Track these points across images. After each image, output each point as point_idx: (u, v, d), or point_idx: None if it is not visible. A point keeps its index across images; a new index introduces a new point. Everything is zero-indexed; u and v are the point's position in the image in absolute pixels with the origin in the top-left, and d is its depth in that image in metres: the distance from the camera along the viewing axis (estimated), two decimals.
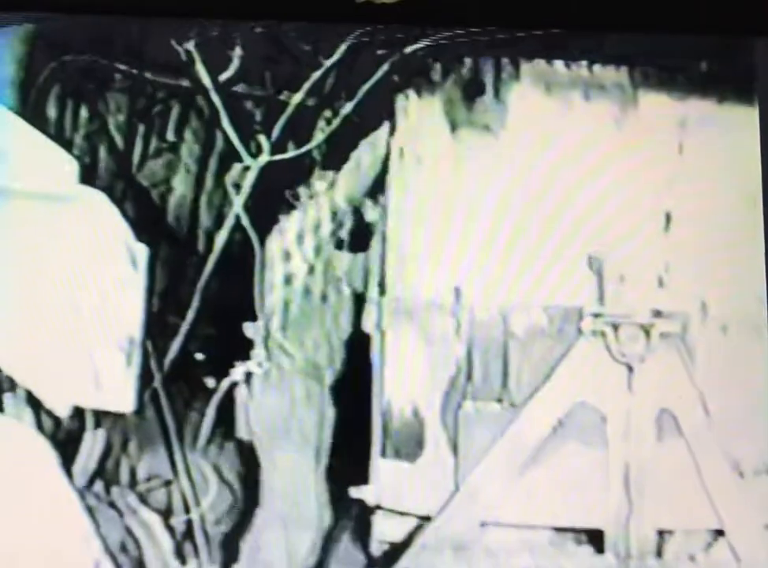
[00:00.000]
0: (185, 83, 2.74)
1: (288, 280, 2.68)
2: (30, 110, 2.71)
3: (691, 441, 2.59)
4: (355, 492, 2.61)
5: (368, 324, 2.67)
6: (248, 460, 2.62)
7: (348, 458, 2.61)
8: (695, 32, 2.78)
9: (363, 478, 2.60)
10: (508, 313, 2.62)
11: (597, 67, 2.74)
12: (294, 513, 2.60)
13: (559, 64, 2.74)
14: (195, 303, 2.65)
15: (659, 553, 2.58)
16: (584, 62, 2.74)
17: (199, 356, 2.63)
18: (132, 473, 2.58)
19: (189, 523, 2.56)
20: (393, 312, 2.67)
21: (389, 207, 2.71)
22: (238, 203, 2.70)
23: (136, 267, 2.58)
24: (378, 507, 2.61)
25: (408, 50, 2.75)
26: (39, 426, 2.57)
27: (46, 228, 2.60)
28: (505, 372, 2.61)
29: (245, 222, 2.70)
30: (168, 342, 2.62)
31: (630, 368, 2.60)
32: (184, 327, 2.64)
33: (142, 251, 2.59)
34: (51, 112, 2.71)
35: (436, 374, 2.63)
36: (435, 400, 2.62)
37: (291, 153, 2.72)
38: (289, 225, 2.69)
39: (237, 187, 2.73)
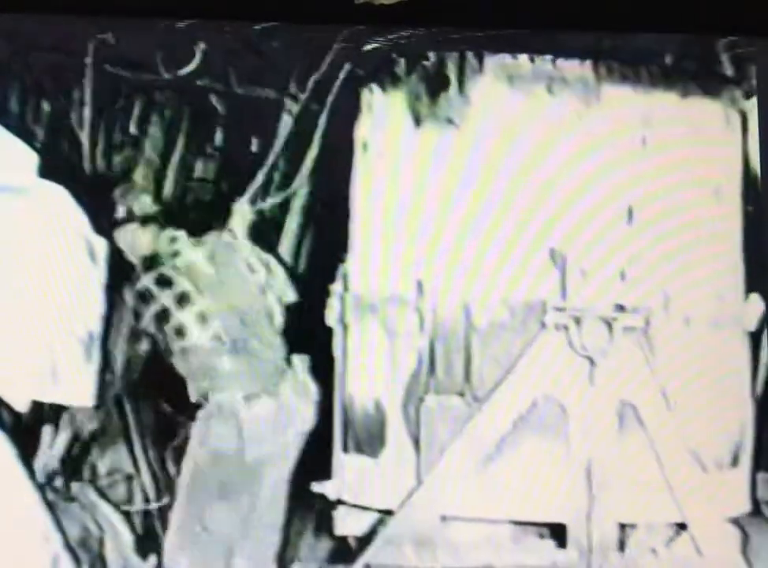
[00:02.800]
0: (148, 77, 2.73)
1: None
2: None
3: (653, 434, 2.58)
4: (317, 487, 2.61)
5: (331, 318, 2.67)
6: None
7: (310, 453, 2.62)
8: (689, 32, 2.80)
9: (325, 473, 2.62)
10: (471, 307, 2.62)
11: (560, 61, 2.73)
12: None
13: (523, 58, 2.73)
14: None
15: (621, 547, 2.58)
16: (548, 56, 2.74)
17: None
18: (93, 468, 2.58)
19: (150, 518, 2.56)
20: (355, 305, 2.67)
21: (351, 202, 2.71)
22: None
23: (95, 260, 2.57)
24: (340, 502, 2.62)
25: (370, 47, 2.75)
26: None
27: (4, 220, 2.59)
28: (467, 366, 2.61)
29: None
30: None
31: (592, 362, 2.59)
32: None
33: (101, 244, 2.58)
34: (13, 105, 2.71)
35: (398, 368, 2.62)
36: (397, 394, 2.62)
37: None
38: None
39: (204, 181, 2.74)
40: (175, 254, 2.62)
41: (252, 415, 2.57)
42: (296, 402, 2.58)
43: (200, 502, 2.55)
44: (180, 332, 2.58)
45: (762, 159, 2.75)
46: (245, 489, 2.56)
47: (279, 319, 2.63)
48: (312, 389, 2.60)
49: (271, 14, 2.71)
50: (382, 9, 2.73)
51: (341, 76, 2.74)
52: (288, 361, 2.61)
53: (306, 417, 2.58)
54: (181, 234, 2.64)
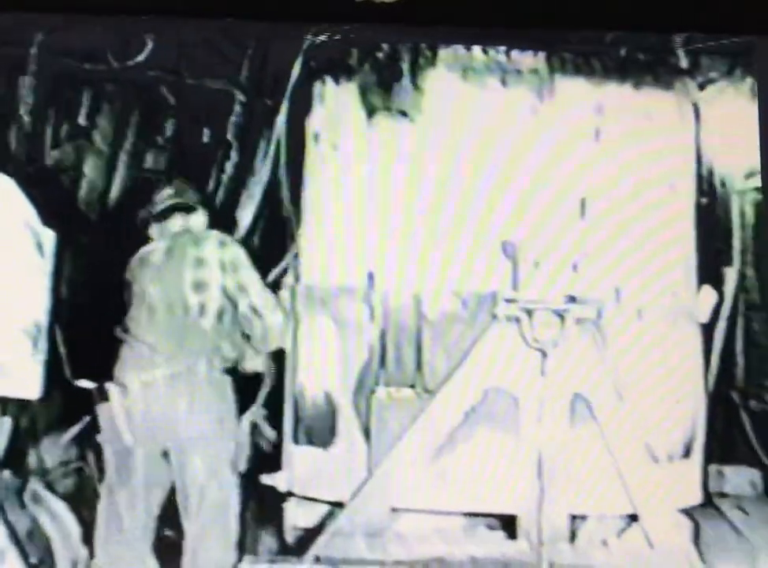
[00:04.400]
0: (99, 67, 2.72)
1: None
2: None
3: (604, 426, 2.58)
4: (266, 479, 2.60)
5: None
6: None
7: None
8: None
9: (275, 464, 2.61)
10: (422, 299, 2.61)
11: (515, 53, 2.73)
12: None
13: (477, 49, 2.73)
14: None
15: (572, 538, 2.57)
16: (502, 48, 2.73)
17: None
18: (40, 461, 2.57)
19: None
20: (306, 297, 2.66)
21: (303, 194, 2.70)
22: None
23: (43, 252, 2.55)
24: (290, 494, 2.61)
25: (323, 38, 2.74)
26: None
27: None
28: (418, 358, 2.60)
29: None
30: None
31: (544, 354, 2.59)
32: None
33: (49, 236, 2.57)
34: None
35: (349, 360, 2.61)
36: (348, 386, 2.61)
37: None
38: None
39: (155, 172, 2.73)
40: None
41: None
42: None
43: None
44: None
45: (762, 157, 2.75)
46: None
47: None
48: None
49: (271, 13, 2.70)
50: (383, 8, 2.72)
51: (294, 67, 2.73)
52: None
53: None
54: None
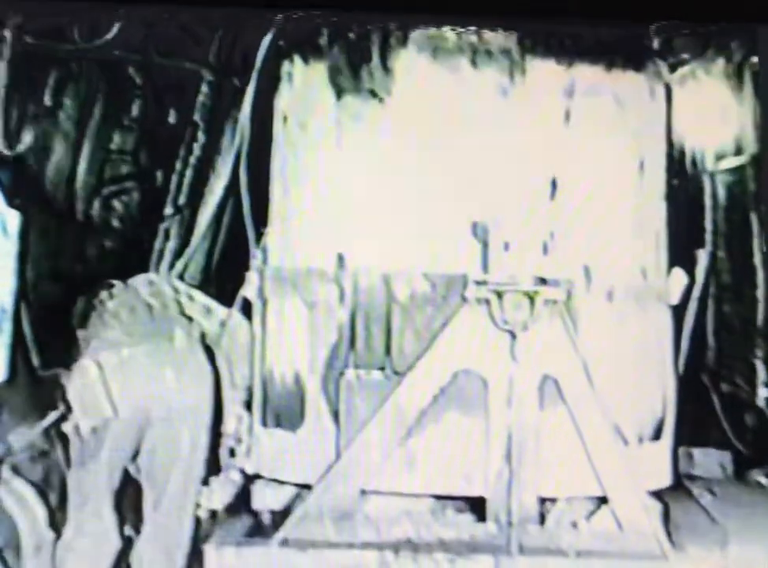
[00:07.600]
0: (65, 46, 2.69)
1: None
2: None
3: (574, 408, 2.57)
4: (235, 461, 2.59)
5: (250, 292, 2.64)
6: None
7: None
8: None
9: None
10: (392, 280, 2.59)
11: (486, 33, 2.71)
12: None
13: (448, 30, 2.70)
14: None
15: (541, 520, 2.56)
16: (473, 28, 2.71)
17: None
18: (6, 444, 2.55)
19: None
20: (275, 279, 2.64)
21: (272, 175, 2.68)
22: None
23: (7, 233, 2.53)
24: (258, 476, 2.60)
25: (293, 18, 2.72)
26: None
27: None
28: (387, 340, 2.59)
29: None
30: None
31: (513, 336, 2.57)
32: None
33: (14, 217, 2.54)
34: None
35: (318, 341, 2.60)
36: (317, 368, 2.59)
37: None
38: None
39: (122, 153, 2.70)
40: None
41: None
42: None
43: None
44: None
45: (762, 149, 2.74)
46: None
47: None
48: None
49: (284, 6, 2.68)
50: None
51: (263, 46, 2.71)
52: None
53: None
54: None
